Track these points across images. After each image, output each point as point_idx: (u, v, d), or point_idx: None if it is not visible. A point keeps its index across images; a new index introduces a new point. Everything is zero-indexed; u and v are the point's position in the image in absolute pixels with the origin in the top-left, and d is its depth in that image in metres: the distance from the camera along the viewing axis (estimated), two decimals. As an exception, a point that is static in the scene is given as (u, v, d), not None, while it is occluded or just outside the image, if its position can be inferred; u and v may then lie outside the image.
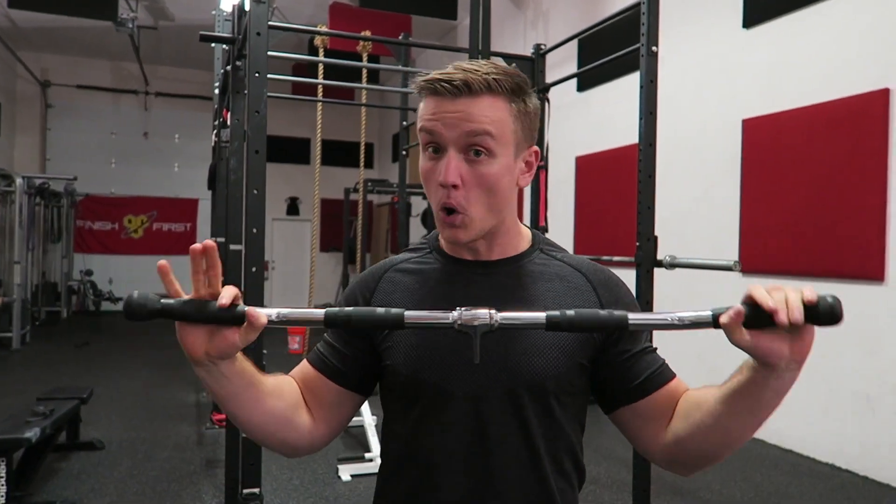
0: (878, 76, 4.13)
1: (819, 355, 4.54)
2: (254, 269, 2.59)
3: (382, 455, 1.05)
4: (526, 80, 0.95)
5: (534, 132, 0.97)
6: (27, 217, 9.31)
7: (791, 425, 4.65)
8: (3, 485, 3.30)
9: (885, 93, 4.06)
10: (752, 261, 4.94)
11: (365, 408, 4.62)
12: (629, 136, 5.97)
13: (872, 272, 4.10)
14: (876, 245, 4.09)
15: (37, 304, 10.92)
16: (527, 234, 1.04)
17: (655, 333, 1.04)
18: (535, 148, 0.98)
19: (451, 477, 0.94)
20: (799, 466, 4.33)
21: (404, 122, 6.57)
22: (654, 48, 3.09)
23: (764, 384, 0.82)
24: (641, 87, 3.13)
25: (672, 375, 1.00)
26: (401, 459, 1.00)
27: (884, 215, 4.05)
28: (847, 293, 4.30)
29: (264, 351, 2.67)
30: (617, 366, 0.97)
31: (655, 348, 1.02)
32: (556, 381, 0.94)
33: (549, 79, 4.18)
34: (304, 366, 1.04)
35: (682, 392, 0.98)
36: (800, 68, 4.67)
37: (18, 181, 8.84)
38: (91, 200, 12.74)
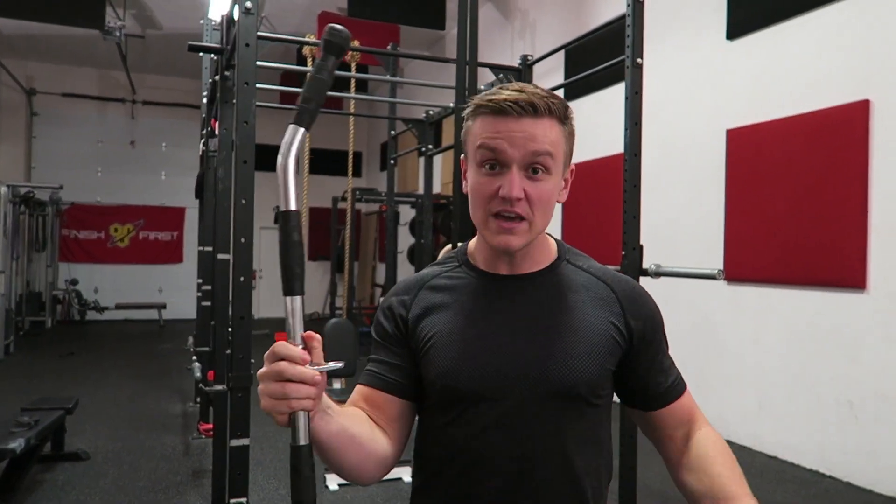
0: (858, 88, 4.21)
1: (802, 363, 4.62)
2: (241, 279, 2.60)
3: (419, 459, 1.08)
4: (568, 105, 1.02)
5: (572, 152, 1.04)
6: (11, 226, 9.23)
7: (775, 432, 4.70)
8: (-14, 496, 3.27)
9: (865, 104, 4.14)
10: (737, 269, 5.00)
11: (353, 417, 4.61)
12: (615, 145, 6.02)
13: (853, 280, 4.17)
14: (857, 254, 4.15)
15: (21, 313, 10.81)
16: (552, 244, 1.10)
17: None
18: (573, 166, 1.06)
19: (490, 478, 0.99)
20: (784, 473, 4.37)
21: (392, 132, 6.59)
22: (638, 60, 3.14)
23: None
24: (627, 98, 3.17)
25: (685, 386, 1.10)
26: (442, 462, 1.03)
27: (864, 224, 4.12)
28: (829, 301, 4.39)
29: (252, 360, 2.67)
30: (640, 375, 1.06)
31: (672, 359, 1.10)
32: (587, 386, 1.00)
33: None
34: (362, 390, 1.06)
35: (689, 408, 1.10)
36: (782, 79, 4.75)
37: (3, 190, 8.77)
38: (77, 209, 12.66)
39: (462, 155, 1.06)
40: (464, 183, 1.06)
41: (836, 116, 4.31)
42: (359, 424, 1.00)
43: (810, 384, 4.45)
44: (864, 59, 4.21)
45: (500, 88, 0.98)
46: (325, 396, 0.92)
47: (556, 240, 1.11)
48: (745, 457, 4.69)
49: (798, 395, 4.54)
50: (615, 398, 1.11)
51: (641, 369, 1.06)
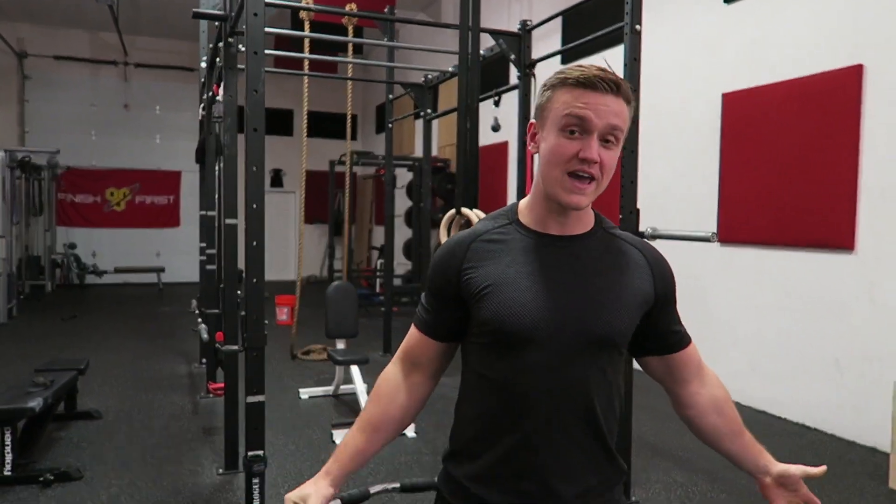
0: (852, 53, 4.27)
1: (791, 323, 4.79)
2: (255, 244, 2.70)
3: (464, 390, 1.24)
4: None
5: None
6: (10, 191, 9.24)
7: (764, 388, 4.88)
8: (9, 452, 3.41)
9: (858, 69, 4.21)
10: (730, 231, 5.12)
11: (357, 375, 4.77)
12: (612, 109, 6.07)
13: (843, 242, 4.29)
14: (847, 216, 4.27)
15: (21, 277, 10.89)
16: (591, 212, 1.24)
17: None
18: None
19: (528, 411, 1.14)
20: (771, 426, 4.56)
21: (390, 96, 6.62)
22: (637, 26, 3.19)
23: (743, 464, 1.34)
24: (625, 64, 3.23)
25: (690, 340, 1.31)
26: (487, 393, 1.18)
27: (855, 187, 4.23)
28: (818, 262, 4.52)
29: (266, 321, 2.79)
30: (660, 327, 1.26)
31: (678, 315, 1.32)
32: (621, 336, 1.18)
33: (534, 54, 4.27)
34: (413, 334, 1.27)
35: (694, 357, 1.31)
36: (778, 44, 4.80)
37: (0, 154, 8.76)
38: (72, 173, 12.63)
39: (533, 120, 1.19)
40: (531, 145, 1.20)
41: (830, 81, 4.38)
42: (375, 428, 1.25)
43: (799, 343, 4.61)
44: (858, 24, 4.26)
45: (582, 67, 1.12)
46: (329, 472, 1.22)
47: (594, 211, 1.25)
48: (735, 412, 4.87)
49: (786, 354, 4.71)
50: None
51: (662, 323, 1.26)
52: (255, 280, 2.73)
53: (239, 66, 3.40)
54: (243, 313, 2.75)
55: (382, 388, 1.28)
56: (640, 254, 1.23)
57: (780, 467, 1.29)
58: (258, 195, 2.71)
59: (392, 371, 1.29)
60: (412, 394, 1.27)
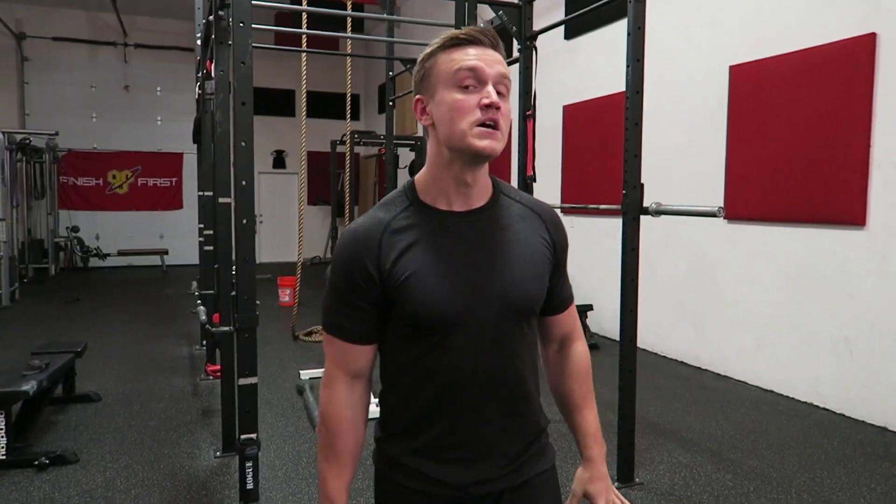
0: (865, 21, 4.12)
1: (799, 300, 4.68)
2: (245, 221, 2.62)
3: (389, 383, 1.22)
4: None
5: None
6: (10, 173, 9.19)
7: (771, 368, 4.79)
8: (3, 436, 3.37)
9: (871, 37, 4.06)
10: (737, 207, 5.01)
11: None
12: (617, 84, 5.96)
13: (853, 217, 4.18)
14: (858, 190, 4.15)
15: (24, 261, 10.88)
16: (489, 179, 1.23)
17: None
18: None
19: (462, 392, 1.15)
20: (778, 405, 4.48)
21: (391, 73, 6.49)
22: (641, -6, 3.07)
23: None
24: (629, 34, 3.12)
25: (571, 301, 1.35)
26: (417, 383, 1.17)
27: (867, 161, 4.10)
28: (828, 238, 4.41)
29: (258, 301, 2.71)
30: (555, 288, 1.27)
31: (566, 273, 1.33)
32: (538, 302, 1.21)
33: (536, 26, 4.15)
34: (341, 347, 1.19)
35: (572, 316, 1.35)
36: (787, 14, 4.65)
37: (-1, 137, 8.70)
38: (73, 156, 12.57)
39: (418, 95, 1.17)
40: (422, 118, 1.17)
41: (841, 51, 4.24)
42: (354, 459, 1.23)
43: (807, 321, 4.52)
44: (871, -9, 4.11)
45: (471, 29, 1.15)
46: None
47: (489, 175, 1.24)
48: (741, 391, 4.80)
49: (794, 332, 4.61)
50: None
51: (556, 284, 1.27)
52: (245, 259, 2.65)
53: (230, 41, 3.29)
54: (234, 293, 2.68)
55: (340, 421, 1.20)
56: (536, 216, 1.24)
57: (590, 486, 1.32)
58: (248, 172, 2.62)
59: (339, 398, 1.20)
60: (364, 408, 1.25)
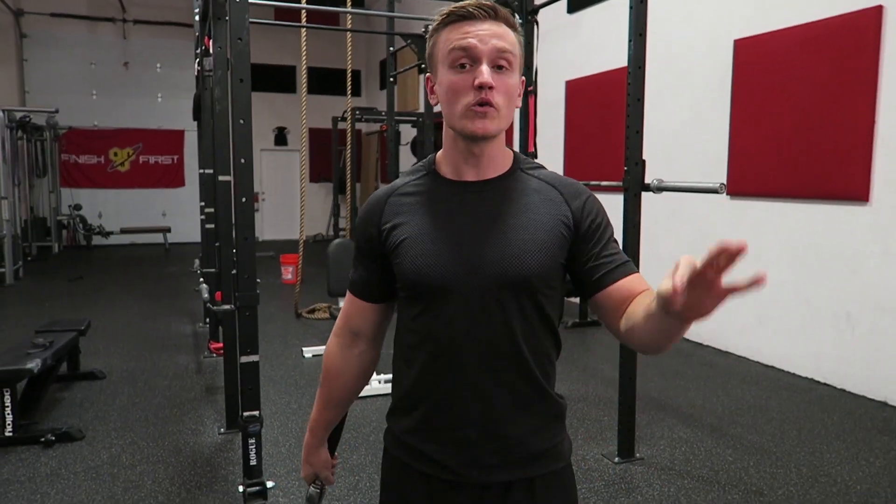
0: (871, -7, 4.06)
1: (802, 277, 4.67)
2: (244, 199, 2.61)
3: (396, 347, 1.23)
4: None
5: (522, 64, 1.16)
6: (10, 152, 9.17)
7: (772, 344, 4.80)
8: (9, 413, 3.40)
9: (878, 10, 4.00)
10: (740, 184, 4.98)
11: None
12: (620, 59, 5.88)
13: (857, 193, 4.15)
14: (862, 166, 4.12)
15: (27, 239, 10.91)
16: (510, 154, 1.21)
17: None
18: (524, 78, 1.17)
19: (456, 360, 1.14)
20: (779, 381, 4.49)
21: (392, 48, 6.43)
22: (644, -34, 3.02)
23: (665, 318, 0.93)
24: (631, 7, 3.08)
25: (630, 272, 1.15)
26: (414, 348, 1.18)
27: (871, 136, 4.07)
28: (831, 215, 4.39)
29: (258, 280, 2.72)
30: (586, 262, 1.15)
31: (619, 250, 1.18)
32: (539, 278, 1.13)
33: (538, 0, 4.09)
34: (350, 300, 1.28)
35: (638, 288, 1.13)
36: (793, -15, 4.58)
37: (-1, 115, 8.67)
38: (74, 133, 12.52)
39: (427, 74, 1.17)
40: (431, 98, 1.18)
41: (847, 24, 4.17)
42: (336, 404, 1.34)
43: (809, 297, 4.51)
44: (879, -38, 4.04)
45: (458, 4, 1.11)
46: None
47: (514, 151, 1.22)
48: (742, 366, 4.82)
49: (796, 308, 4.61)
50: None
51: (589, 256, 1.15)
52: (245, 238, 2.64)
53: (227, 16, 3.25)
54: (234, 272, 2.68)
55: (330, 367, 1.31)
56: (554, 190, 1.18)
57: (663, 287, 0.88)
58: (246, 150, 2.61)
59: (334, 346, 1.31)
60: (360, 364, 1.31)
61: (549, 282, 1.14)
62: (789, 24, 4.57)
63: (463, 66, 1.09)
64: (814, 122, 4.40)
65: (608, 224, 1.19)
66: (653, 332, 0.99)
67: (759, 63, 4.81)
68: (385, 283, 1.22)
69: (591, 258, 1.14)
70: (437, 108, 1.19)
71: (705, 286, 0.86)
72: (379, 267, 1.21)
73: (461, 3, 1.11)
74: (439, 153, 1.22)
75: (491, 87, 1.08)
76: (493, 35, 1.08)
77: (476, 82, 1.07)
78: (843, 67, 4.21)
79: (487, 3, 1.10)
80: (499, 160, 1.17)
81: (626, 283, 1.12)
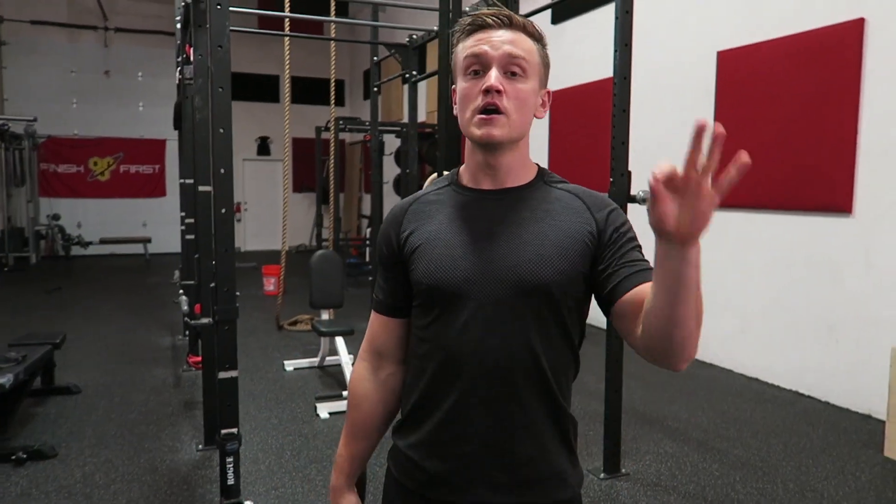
0: (853, 6, 4.09)
1: (784, 288, 4.65)
2: (224, 211, 2.55)
3: (411, 356, 1.19)
4: (543, 34, 1.15)
5: (548, 78, 1.16)
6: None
7: (755, 355, 4.79)
8: (-22, 431, 3.29)
9: (859, 23, 4.03)
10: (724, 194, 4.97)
11: (342, 347, 4.66)
12: (604, 69, 5.89)
13: (840, 204, 4.16)
14: (845, 178, 4.13)
15: (4, 250, 10.71)
16: (533, 167, 1.19)
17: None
18: (549, 90, 1.16)
19: (469, 369, 1.09)
20: (763, 394, 4.48)
21: (375, 58, 6.40)
22: (629, -23, 3.02)
23: (667, 255, 0.88)
24: (617, 17, 3.06)
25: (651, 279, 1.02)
26: (426, 358, 1.14)
27: (854, 148, 4.08)
28: (814, 226, 4.40)
29: (238, 293, 2.65)
30: (606, 268, 1.09)
31: (642, 257, 1.10)
32: (558, 286, 1.08)
33: (522, 10, 4.07)
34: (375, 318, 1.24)
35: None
36: (776, -1, 4.61)
37: (-25, 123, 8.51)
38: (54, 142, 12.35)
39: (453, 85, 1.15)
40: (454, 108, 1.15)
41: (830, 36, 4.20)
42: (365, 434, 1.26)
43: (792, 309, 4.51)
44: (860, -24, 4.07)
45: (479, 12, 1.11)
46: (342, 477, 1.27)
47: (539, 165, 1.20)
48: (726, 378, 4.81)
49: (779, 320, 4.61)
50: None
51: (608, 263, 1.09)
52: (225, 250, 2.58)
53: (207, 24, 3.20)
54: (213, 285, 2.61)
55: (357, 392, 1.25)
56: (578, 200, 1.15)
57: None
58: (226, 160, 2.55)
59: (361, 370, 1.26)
60: (388, 388, 1.24)
61: (570, 292, 1.09)
62: (772, 37, 4.60)
63: (476, 72, 1.09)
64: (797, 133, 4.42)
65: (633, 235, 1.13)
66: (661, 289, 0.90)
67: (743, 74, 4.83)
68: (409, 295, 1.18)
69: (612, 264, 1.08)
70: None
71: (692, 191, 0.83)
72: (401, 277, 1.18)
73: (478, 13, 1.10)
74: (463, 166, 1.21)
75: (498, 91, 1.06)
76: (505, 41, 1.08)
77: (484, 86, 1.07)
78: (825, 79, 4.23)
79: (504, 11, 1.10)
80: (518, 171, 1.15)
81: (647, 288, 1.00)
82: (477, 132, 1.08)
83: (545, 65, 1.14)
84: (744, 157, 0.76)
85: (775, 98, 4.57)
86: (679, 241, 0.85)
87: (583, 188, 1.18)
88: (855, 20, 4.05)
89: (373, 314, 1.24)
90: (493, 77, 1.06)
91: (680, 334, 0.92)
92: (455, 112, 1.15)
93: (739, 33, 4.87)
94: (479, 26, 1.10)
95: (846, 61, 4.09)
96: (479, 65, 1.08)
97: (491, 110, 1.07)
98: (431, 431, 1.12)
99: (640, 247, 1.12)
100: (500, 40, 1.08)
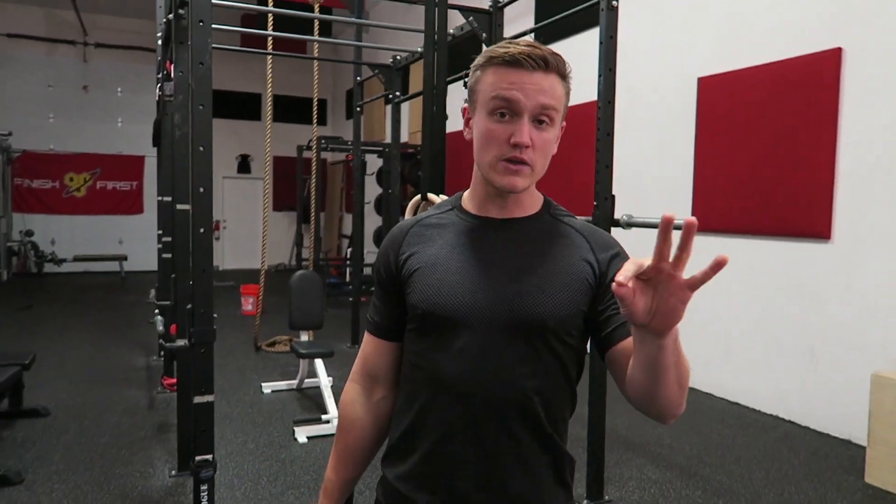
0: (831, 35, 4.16)
1: (766, 313, 4.67)
2: (202, 230, 2.49)
3: (403, 381, 1.17)
4: (568, 65, 1.12)
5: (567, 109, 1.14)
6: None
7: (737, 379, 4.80)
8: (-60, 455, 3.17)
9: (837, 52, 4.10)
10: (705, 219, 5.00)
11: (321, 369, 4.58)
12: (586, 93, 5.92)
13: (819, 230, 4.20)
14: (823, 203, 4.17)
15: (-26, 266, 10.47)
16: (539, 198, 1.18)
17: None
18: (565, 122, 1.14)
19: (461, 400, 1.06)
20: (745, 418, 4.47)
21: (358, 77, 6.39)
22: (614, 2, 3.04)
23: (642, 341, 0.87)
24: (601, 42, 3.08)
25: None
26: (417, 384, 1.11)
27: (832, 174, 4.13)
28: (794, 251, 4.43)
29: (215, 315, 2.58)
30: (603, 311, 1.08)
31: None
32: (557, 320, 1.05)
33: (506, 33, 4.10)
34: (367, 340, 1.21)
35: None
36: (755, 27, 4.68)
37: (-52, 136, 8.35)
38: (29, 157, 12.15)
39: (465, 104, 1.13)
40: (466, 130, 1.14)
41: (809, 64, 4.27)
42: (354, 460, 1.22)
43: (773, 333, 4.53)
44: (836, 7, 4.15)
45: (510, 43, 1.06)
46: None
47: (544, 196, 1.19)
48: (708, 402, 4.80)
49: (761, 344, 4.62)
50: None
51: (607, 307, 1.08)
52: (203, 270, 2.52)
53: (189, 40, 3.16)
54: (190, 306, 2.54)
55: (348, 415, 1.22)
56: (580, 236, 1.13)
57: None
58: (206, 178, 2.49)
59: (352, 393, 1.23)
60: (379, 413, 1.21)
61: (568, 328, 1.07)
62: (752, 64, 4.66)
63: (503, 115, 1.05)
64: (776, 159, 4.47)
65: None
66: (640, 369, 0.91)
67: (723, 100, 4.89)
68: (404, 318, 1.15)
69: (610, 307, 1.06)
70: (467, 137, 1.16)
71: (663, 283, 0.80)
72: (397, 299, 1.15)
73: (513, 48, 1.04)
74: (467, 191, 1.19)
75: (528, 146, 1.04)
76: (540, 90, 1.03)
77: (512, 141, 1.04)
78: (804, 106, 4.29)
79: (539, 50, 1.04)
80: (526, 203, 1.14)
81: None
82: (500, 180, 1.07)
83: (567, 101, 1.11)
84: (722, 258, 0.75)
85: (755, 124, 4.62)
86: (653, 333, 0.83)
87: (589, 225, 1.17)
88: (832, 49, 4.12)
89: (366, 335, 1.22)
90: (525, 132, 1.03)
91: (662, 403, 0.94)
92: (466, 136, 1.14)
93: (720, 60, 4.94)
94: (512, 64, 1.04)
95: (824, 89, 4.16)
96: (508, 110, 1.04)
97: (518, 161, 1.05)
98: (420, 463, 1.09)
99: None
100: (535, 88, 1.03)
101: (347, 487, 1.24)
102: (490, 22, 4.05)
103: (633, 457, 3.77)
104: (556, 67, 1.06)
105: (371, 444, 1.22)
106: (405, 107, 8.85)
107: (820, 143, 4.18)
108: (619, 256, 1.12)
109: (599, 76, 3.09)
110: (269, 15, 5.94)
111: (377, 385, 1.20)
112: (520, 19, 6.83)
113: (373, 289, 1.23)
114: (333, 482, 1.23)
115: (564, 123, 1.14)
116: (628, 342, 1.03)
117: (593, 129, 3.18)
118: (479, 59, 1.10)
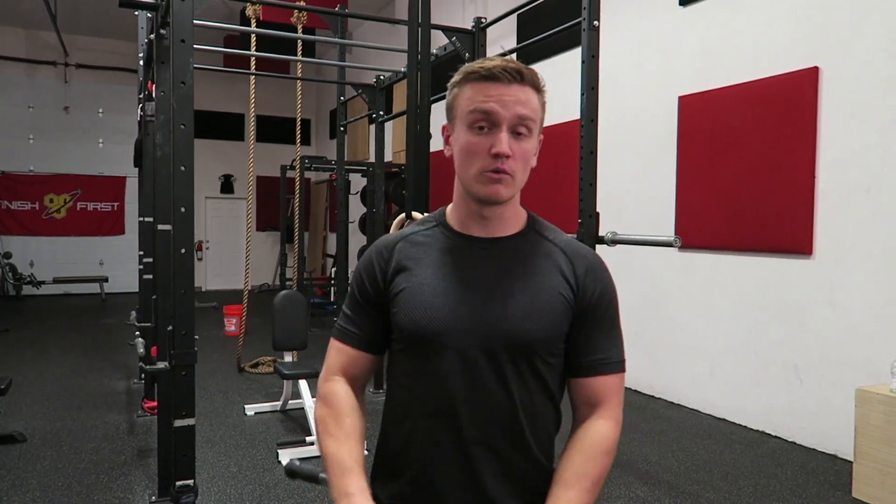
0: (808, 55, 4.23)
1: (750, 328, 4.69)
2: (183, 251, 2.46)
3: (387, 404, 1.18)
4: (542, 79, 1.14)
5: (543, 122, 1.18)
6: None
7: (724, 396, 4.80)
8: (-89, 485, 3.07)
9: (814, 71, 4.17)
10: (687, 236, 5.04)
11: (305, 390, 4.52)
12: (569, 112, 5.97)
13: (801, 246, 4.24)
14: (804, 220, 4.21)
15: (-50, 289, 10.27)
16: (524, 215, 1.20)
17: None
18: (542, 135, 1.18)
19: (449, 421, 1.08)
20: (731, 434, 4.47)
21: (342, 98, 6.39)
22: (595, 22, 3.07)
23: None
24: (583, 61, 3.10)
25: (609, 372, 1.13)
26: (406, 406, 1.13)
27: (812, 191, 4.18)
28: (776, 267, 4.46)
29: (196, 337, 2.54)
30: (576, 339, 1.13)
31: (615, 342, 1.16)
32: (541, 342, 1.09)
33: (489, 53, 4.12)
34: (341, 348, 1.18)
35: (602, 398, 1.13)
36: (734, 46, 4.75)
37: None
38: (8, 178, 12.00)
39: (445, 122, 1.15)
40: (446, 148, 1.15)
41: (787, 83, 4.33)
42: (359, 436, 1.15)
43: (758, 349, 4.54)
44: (814, 27, 4.22)
45: (485, 60, 1.10)
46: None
47: (529, 213, 1.21)
48: (695, 419, 4.79)
49: (746, 360, 4.64)
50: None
51: (579, 335, 1.13)
52: (183, 291, 2.48)
53: (171, 60, 3.14)
54: (171, 327, 2.50)
55: (347, 400, 1.17)
56: (565, 257, 1.15)
57: None
58: (187, 198, 2.47)
59: (338, 385, 1.19)
60: (361, 406, 1.21)
61: (552, 349, 1.11)
62: (732, 83, 4.73)
63: (482, 128, 1.07)
64: (757, 176, 4.51)
65: (612, 306, 1.15)
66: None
67: (704, 118, 4.94)
68: (383, 333, 1.17)
69: (582, 334, 1.12)
70: (447, 153, 1.17)
71: None
72: (382, 314, 1.15)
73: (488, 63, 1.08)
74: (449, 206, 1.21)
75: (508, 156, 1.06)
76: (517, 102, 1.06)
77: (493, 150, 1.06)
78: (783, 124, 4.35)
79: (513, 64, 1.08)
80: (509, 220, 1.16)
81: (594, 384, 1.13)
82: (483, 190, 1.09)
83: (543, 114, 1.14)
84: None
85: (736, 141, 4.67)
86: None
87: (574, 243, 1.19)
88: (810, 68, 4.18)
89: (343, 346, 1.18)
90: (504, 142, 1.06)
91: None
92: (446, 153, 1.15)
93: (700, 79, 5.00)
94: (487, 78, 1.07)
95: (803, 107, 4.22)
96: (486, 122, 1.07)
97: (499, 171, 1.07)
98: (411, 483, 1.11)
99: (618, 323, 1.17)
100: (511, 100, 1.06)
101: (362, 464, 1.11)
102: (473, 42, 4.08)
103: (620, 474, 3.74)
104: (531, 80, 1.08)
105: (364, 427, 1.19)
106: (389, 126, 8.87)
107: (800, 160, 4.24)
108: (597, 273, 1.15)
109: (582, 95, 3.11)
110: (252, 35, 5.94)
111: (357, 386, 1.21)
112: (502, 39, 6.90)
113: (344, 305, 1.22)
114: (355, 459, 1.10)
115: (542, 136, 1.17)
116: (587, 382, 1.12)
117: (577, 147, 3.20)
118: (455, 77, 1.12)
